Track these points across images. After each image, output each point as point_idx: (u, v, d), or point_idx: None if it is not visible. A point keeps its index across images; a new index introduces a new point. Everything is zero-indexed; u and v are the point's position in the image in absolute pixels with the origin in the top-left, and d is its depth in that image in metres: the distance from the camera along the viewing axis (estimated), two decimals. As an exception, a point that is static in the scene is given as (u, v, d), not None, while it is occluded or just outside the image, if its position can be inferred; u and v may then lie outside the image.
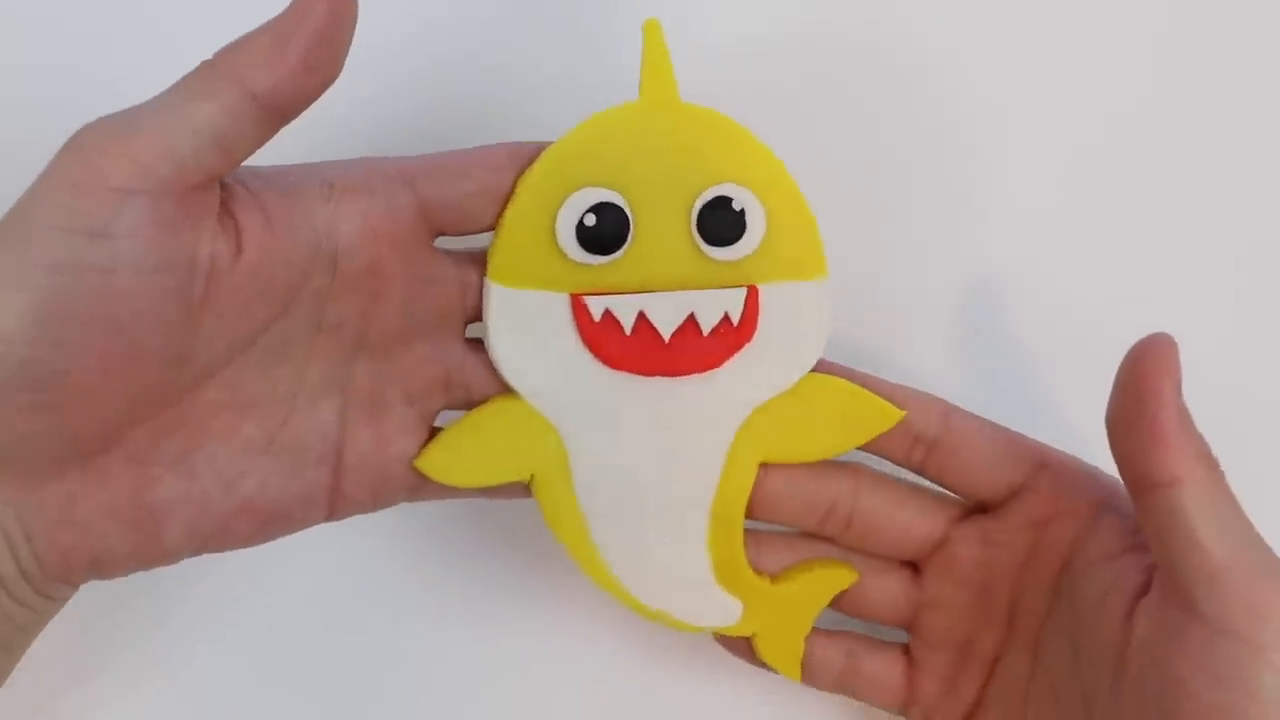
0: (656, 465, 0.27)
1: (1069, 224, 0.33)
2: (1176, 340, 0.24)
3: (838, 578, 0.29)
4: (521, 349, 0.26)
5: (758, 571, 0.28)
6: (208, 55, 0.23)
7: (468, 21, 0.33)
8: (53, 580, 0.24)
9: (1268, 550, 0.24)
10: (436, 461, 0.27)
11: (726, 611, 0.28)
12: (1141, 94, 0.34)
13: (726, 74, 0.31)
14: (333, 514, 0.27)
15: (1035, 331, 0.33)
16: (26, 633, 0.25)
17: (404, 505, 0.28)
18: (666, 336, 0.26)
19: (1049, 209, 0.33)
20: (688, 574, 0.28)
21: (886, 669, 0.29)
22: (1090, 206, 0.33)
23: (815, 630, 0.29)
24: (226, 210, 0.23)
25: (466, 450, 0.27)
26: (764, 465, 0.28)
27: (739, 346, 0.27)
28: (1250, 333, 0.33)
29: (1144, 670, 0.24)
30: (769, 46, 0.33)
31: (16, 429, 0.22)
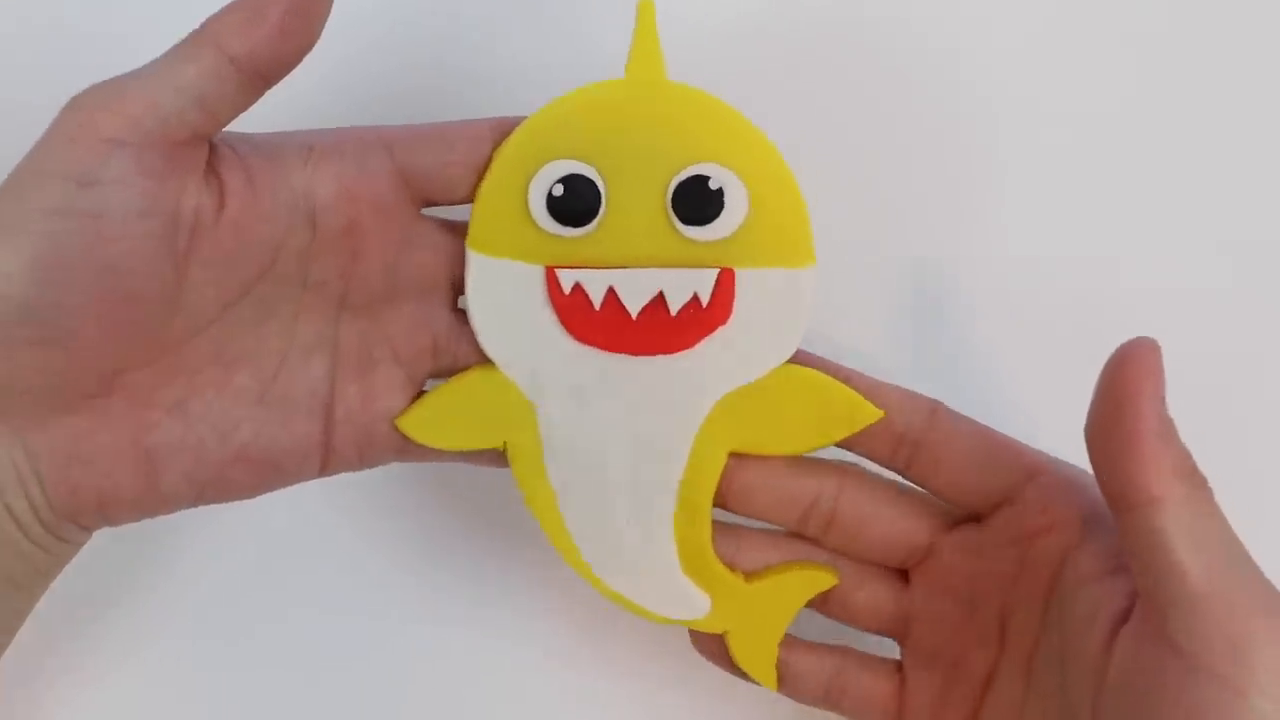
0: (623, 444, 0.27)
1: (1069, 216, 0.31)
2: (1161, 344, 0.22)
3: (815, 579, 0.28)
4: (498, 318, 0.27)
5: (733, 568, 0.28)
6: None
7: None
8: (63, 520, 0.26)
9: (1254, 576, 0.22)
10: (416, 422, 0.27)
11: (692, 604, 0.27)
12: (1142, 89, 0.32)
13: (725, 56, 0.31)
14: (324, 469, 0.28)
15: (1033, 328, 0.31)
16: (43, 575, 0.27)
17: (391, 485, 0.29)
18: (634, 313, 0.26)
19: (1049, 198, 0.31)
20: (652, 560, 0.27)
21: (877, 686, 0.28)
22: (1090, 199, 0.31)
23: (803, 642, 0.28)
24: (212, 169, 0.25)
25: (445, 414, 0.27)
26: (740, 455, 0.27)
27: (710, 329, 0.26)
28: (1250, 333, 0.30)
29: (1120, 702, 0.22)
30: (768, 28, 0.32)
31: (23, 365, 0.24)
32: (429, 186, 0.26)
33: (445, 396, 0.28)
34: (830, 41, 0.32)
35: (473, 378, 0.27)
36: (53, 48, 0.34)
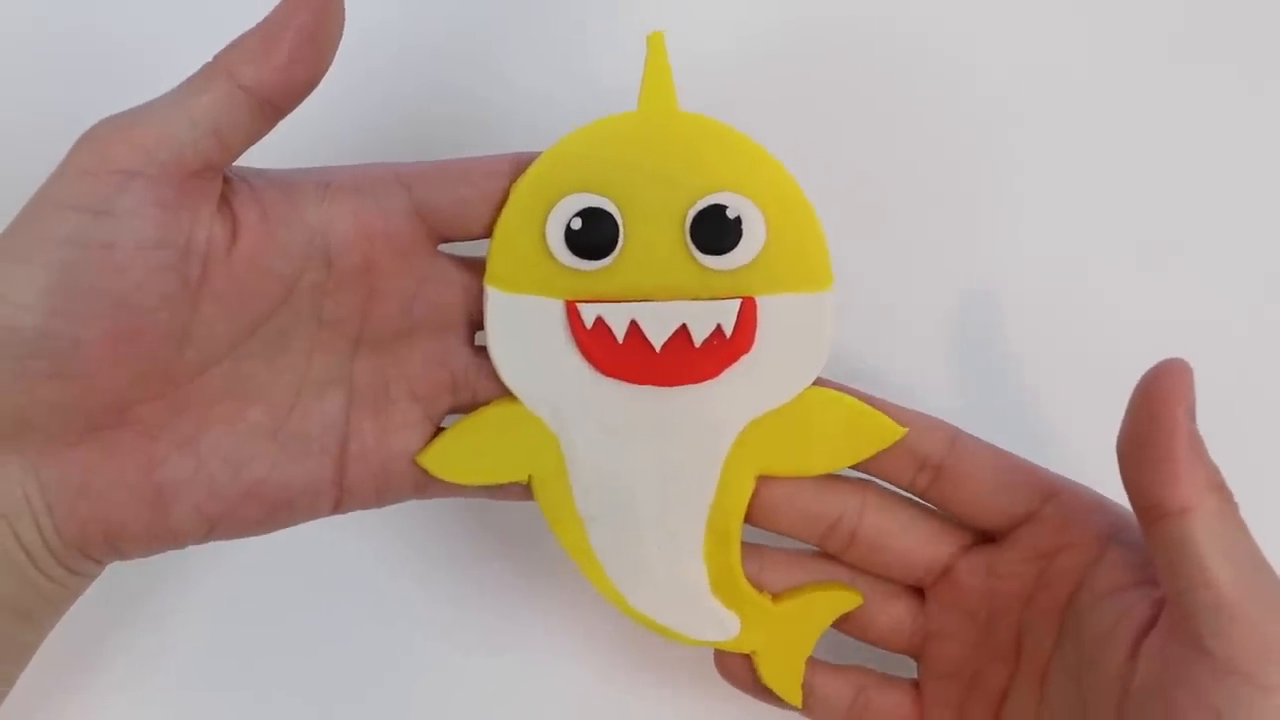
0: (651, 473, 0.27)
1: (1086, 238, 0.31)
2: (1191, 365, 0.23)
3: (841, 599, 0.28)
4: (519, 353, 0.27)
5: (760, 589, 0.28)
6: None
7: (479, 33, 0.33)
8: (73, 552, 0.26)
9: (1279, 585, 0.23)
10: (437, 457, 0.27)
11: (723, 626, 0.28)
12: (1159, 104, 0.32)
13: (735, 84, 0.31)
14: (339, 506, 0.27)
15: (1049, 351, 0.31)
16: (53, 606, 0.27)
17: (414, 506, 0.29)
18: (658, 347, 0.26)
19: (1065, 219, 0.32)
20: (684, 584, 0.28)
21: (897, 704, 0.28)
22: (1109, 220, 0.31)
23: (825, 664, 0.29)
24: (225, 202, 0.25)
25: (467, 449, 0.27)
26: (766, 476, 0.27)
27: (734, 358, 0.26)
28: (1270, 350, 0.30)
29: (1147, 708, 0.23)
30: (778, 55, 0.32)
31: (36, 397, 0.24)
32: (446, 223, 0.26)
33: (467, 431, 0.27)
34: (840, 64, 0.32)
35: (494, 412, 0.27)
36: (70, 73, 0.34)
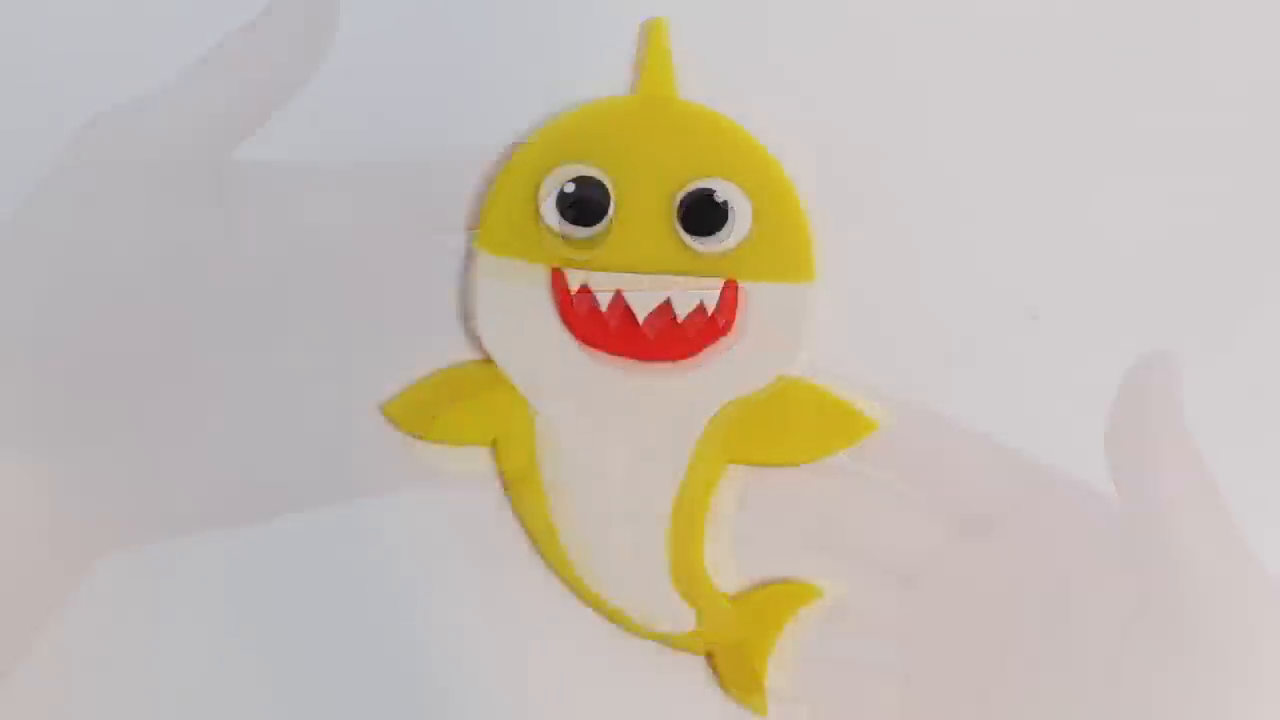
0: (620, 449, 0.27)
1: (1080, 231, 0.32)
2: (1178, 360, 0.24)
3: (799, 594, 0.27)
4: (501, 317, 0.27)
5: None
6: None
7: (480, 28, 0.35)
8: (73, 548, 0.26)
9: (1263, 576, 0.23)
10: (404, 408, 0.27)
11: (677, 617, 0.27)
12: (1150, 100, 0.32)
13: (735, 73, 0.31)
14: (334, 492, 0.28)
15: (1039, 345, 0.31)
16: (55, 593, 0.26)
17: (407, 497, 0.29)
18: (641, 318, 0.26)
19: (1058, 217, 0.32)
20: (642, 566, 0.27)
21: (883, 696, 0.28)
22: (1103, 213, 0.32)
23: (808, 658, 0.28)
24: (220, 194, 0.26)
25: (435, 403, 0.27)
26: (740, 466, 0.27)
27: (714, 338, 0.26)
28: (1259, 349, 0.31)
29: (1132, 695, 0.24)
30: (782, 44, 0.34)
31: (36, 392, 0.25)
32: (440, 214, 0.27)
33: (437, 387, 0.27)
34: (841, 56, 0.33)
35: (467, 370, 0.27)
36: (67, 67, 0.35)
